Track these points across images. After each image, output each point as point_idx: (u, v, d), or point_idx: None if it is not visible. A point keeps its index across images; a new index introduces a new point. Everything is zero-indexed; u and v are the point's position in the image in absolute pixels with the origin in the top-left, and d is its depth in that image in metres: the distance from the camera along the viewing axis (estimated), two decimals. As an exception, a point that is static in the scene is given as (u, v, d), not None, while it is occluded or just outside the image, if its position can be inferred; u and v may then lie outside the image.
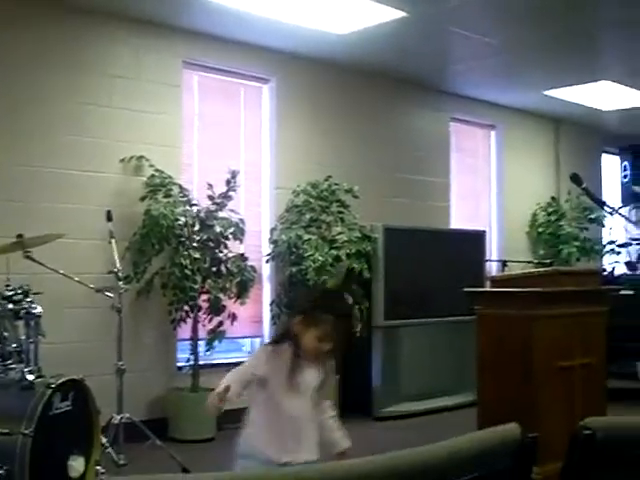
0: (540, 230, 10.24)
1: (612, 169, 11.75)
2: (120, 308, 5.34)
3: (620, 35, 7.18)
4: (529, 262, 9.14)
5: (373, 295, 7.40)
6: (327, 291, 3.89)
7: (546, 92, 9.16)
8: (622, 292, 8.30)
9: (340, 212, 7.43)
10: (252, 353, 3.54)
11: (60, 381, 4.37)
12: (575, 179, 5.15)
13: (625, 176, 11.49)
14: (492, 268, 9.10)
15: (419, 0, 6.25)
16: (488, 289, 5.73)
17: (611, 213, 5.75)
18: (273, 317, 7.30)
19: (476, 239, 8.53)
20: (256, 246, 7.40)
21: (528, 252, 10.15)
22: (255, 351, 3.54)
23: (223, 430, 6.57)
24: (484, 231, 8.88)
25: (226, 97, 7.48)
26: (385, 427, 7.14)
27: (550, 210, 10.33)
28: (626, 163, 11.55)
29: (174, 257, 6.35)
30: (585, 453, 1.24)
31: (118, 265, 5.42)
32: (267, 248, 7.42)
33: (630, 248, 9.70)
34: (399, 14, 6.48)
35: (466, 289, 5.42)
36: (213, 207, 6.55)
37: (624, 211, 9.04)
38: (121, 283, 5.38)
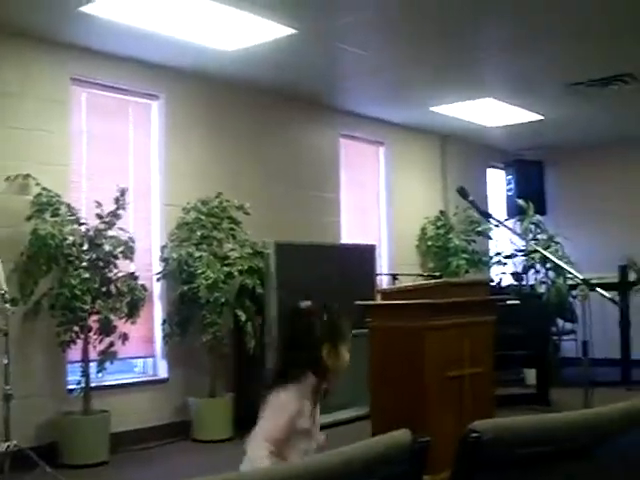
0: (429, 243, 10.43)
1: (498, 183, 12.08)
2: (7, 331, 5.19)
3: (502, 54, 7.41)
4: (419, 275, 9.30)
5: (266, 311, 7.40)
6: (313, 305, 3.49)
7: (432, 108, 9.36)
8: (509, 302, 8.53)
9: (231, 229, 7.42)
10: (278, 404, 3.19)
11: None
12: (462, 192, 5.28)
13: (510, 190, 11.83)
14: (383, 282, 9.21)
15: (308, 17, 6.32)
16: (379, 302, 5.81)
17: (497, 225, 5.90)
18: (165, 336, 7.22)
19: (367, 253, 8.61)
20: (146, 264, 7.31)
21: (418, 265, 10.33)
22: (280, 400, 3.22)
23: (117, 453, 6.47)
24: (374, 245, 8.97)
25: (115, 114, 7.38)
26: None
27: (439, 224, 10.53)
28: (510, 177, 11.89)
29: (63, 277, 6.21)
30: (473, 456, 1.27)
31: (4, 287, 5.28)
32: (158, 266, 7.35)
33: (516, 259, 9.96)
34: (288, 31, 6.53)
35: (358, 302, 5.48)
36: (102, 226, 6.44)
37: (509, 223, 9.28)
38: (8, 305, 5.23)
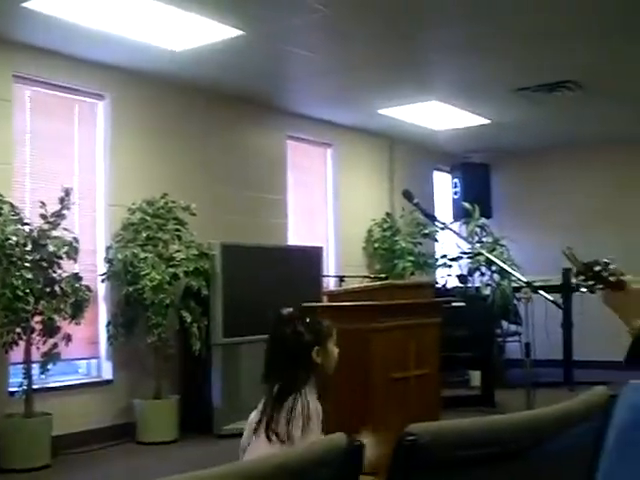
0: (376, 245, 10.47)
1: (444, 186, 12.17)
2: (-54, 333, 5.10)
3: (449, 57, 7.47)
4: (365, 277, 9.32)
5: (211, 313, 7.35)
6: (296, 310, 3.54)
7: (380, 111, 9.40)
8: (454, 304, 8.59)
9: (177, 230, 7.37)
10: (306, 411, 3.14)
11: None
12: (407, 195, 5.29)
13: (456, 193, 11.92)
14: (329, 283, 9.23)
15: (256, 19, 6.30)
16: (325, 304, 5.81)
17: (442, 228, 5.95)
18: (109, 337, 7.15)
19: (313, 255, 8.61)
20: (91, 265, 7.24)
21: (364, 267, 10.36)
22: (308, 408, 3.17)
23: (59, 457, 6.39)
24: (321, 247, 8.98)
25: (60, 113, 7.29)
26: (227, 444, 7.09)
27: (385, 226, 10.58)
28: (457, 180, 11.98)
29: (5, 278, 6.11)
30: (408, 460, 1.27)
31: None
32: (103, 267, 7.27)
33: (461, 262, 10.03)
34: (236, 32, 6.51)
35: (303, 304, 5.47)
36: (46, 226, 6.36)
37: (455, 226, 9.35)
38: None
